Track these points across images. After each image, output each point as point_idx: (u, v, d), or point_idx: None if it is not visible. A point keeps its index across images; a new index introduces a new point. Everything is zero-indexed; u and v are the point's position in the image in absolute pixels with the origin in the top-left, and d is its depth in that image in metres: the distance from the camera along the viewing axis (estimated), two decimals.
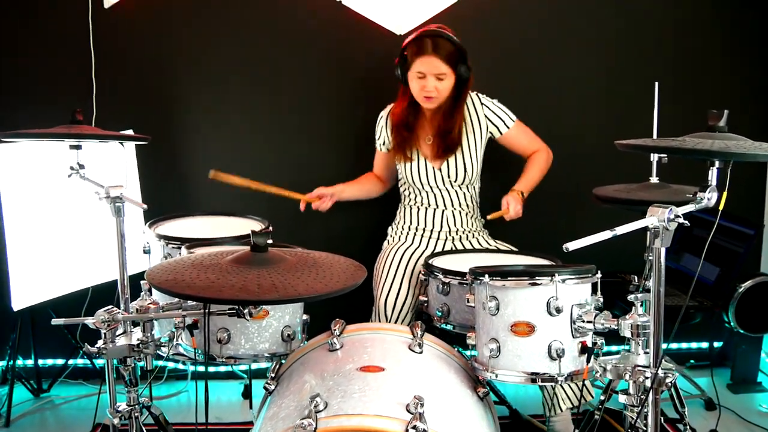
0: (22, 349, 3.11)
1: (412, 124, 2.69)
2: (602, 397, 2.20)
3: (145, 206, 1.97)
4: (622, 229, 1.49)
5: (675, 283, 2.87)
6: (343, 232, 3.15)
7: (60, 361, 3.28)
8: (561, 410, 2.51)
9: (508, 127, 2.75)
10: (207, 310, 1.79)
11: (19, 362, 3.15)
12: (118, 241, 1.99)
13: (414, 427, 1.44)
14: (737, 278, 2.76)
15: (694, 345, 3.35)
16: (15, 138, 2.08)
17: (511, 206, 2.55)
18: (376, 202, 2.98)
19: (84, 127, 2.11)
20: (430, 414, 1.51)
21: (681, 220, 1.52)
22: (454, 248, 2.69)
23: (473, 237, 2.76)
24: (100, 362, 3.27)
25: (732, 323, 2.91)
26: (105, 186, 1.96)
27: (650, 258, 2.25)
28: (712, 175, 1.58)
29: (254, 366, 3.04)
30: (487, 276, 1.82)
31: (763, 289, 2.91)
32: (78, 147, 2.12)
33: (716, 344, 3.34)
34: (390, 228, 2.88)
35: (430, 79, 2.53)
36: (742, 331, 2.93)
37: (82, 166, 2.12)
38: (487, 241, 2.74)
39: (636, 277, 2.35)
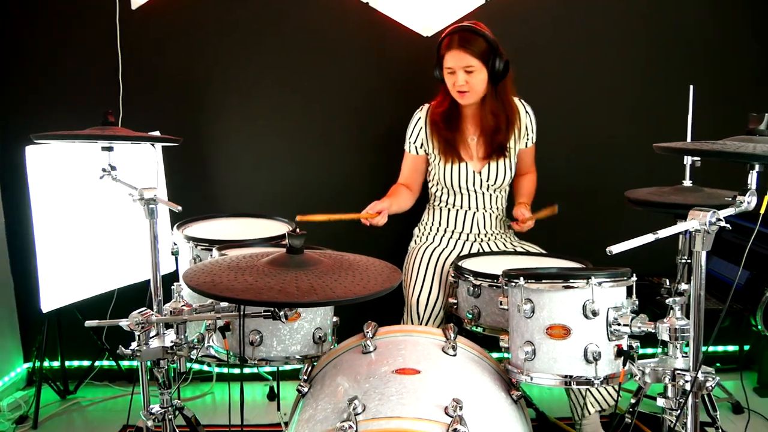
0: (48, 351, 3.13)
1: (455, 122, 2.67)
2: (632, 401, 2.20)
3: (179, 208, 1.97)
4: (664, 232, 1.48)
5: (705, 286, 2.84)
6: (366, 234, 3.14)
7: (86, 363, 3.30)
8: (589, 413, 2.50)
9: (532, 143, 2.77)
10: (242, 312, 1.79)
11: (45, 364, 3.17)
12: (151, 243, 1.99)
13: (455, 430, 1.44)
14: (767, 282, 2.73)
15: (720, 348, 3.32)
16: (47, 139, 2.07)
17: (526, 215, 2.58)
18: None
19: (116, 128, 2.13)
20: (469, 417, 1.51)
21: (722, 223, 1.50)
22: (481, 250, 2.68)
23: (500, 239, 2.75)
24: (125, 364, 3.29)
25: (759, 327, 2.89)
26: (138, 188, 1.97)
27: (682, 261, 2.26)
28: (752, 178, 1.57)
29: (282, 367, 3.03)
30: (522, 278, 1.80)
31: None
32: (110, 149, 2.13)
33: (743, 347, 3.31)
34: (417, 229, 2.87)
35: (459, 74, 2.53)
36: None
37: (114, 168, 2.13)
38: (513, 244, 2.74)
39: (668, 281, 2.34)
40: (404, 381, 1.67)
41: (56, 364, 3.22)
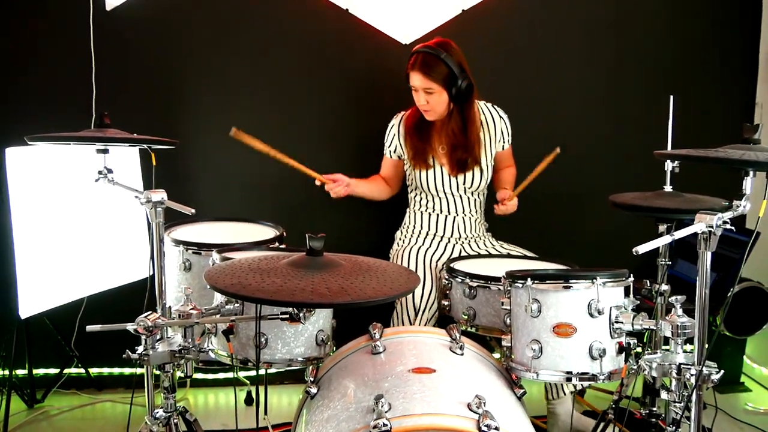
0: (14, 358, 3.02)
1: (425, 132, 2.76)
2: (615, 397, 2.30)
3: (192, 211, 1.96)
4: (679, 234, 1.57)
5: (672, 288, 2.99)
6: (347, 236, 3.18)
7: (53, 371, 3.20)
8: (564, 393, 2.61)
9: (509, 145, 2.87)
10: (258, 315, 1.80)
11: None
12: (156, 246, 1.97)
13: (487, 425, 1.49)
14: (731, 284, 2.89)
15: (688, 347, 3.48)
16: (41, 141, 2.02)
17: (510, 197, 2.67)
18: (381, 207, 3.02)
19: (112, 130, 2.10)
20: (492, 412, 1.56)
21: (728, 225, 1.61)
22: (463, 252, 2.76)
23: (480, 241, 2.83)
24: (94, 371, 3.21)
25: (720, 327, 3.05)
26: (145, 191, 1.95)
27: (662, 263, 2.38)
28: (747, 184, 1.68)
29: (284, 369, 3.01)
30: (529, 279, 1.88)
31: (748, 294, 3.06)
32: (105, 151, 2.10)
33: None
34: (399, 232, 2.93)
35: (420, 94, 2.65)
36: (728, 334, 3.07)
37: (110, 171, 2.11)
38: (495, 247, 2.82)
39: (648, 282, 2.46)
40: (423, 379, 1.71)
41: (21, 372, 3.10)
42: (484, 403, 1.57)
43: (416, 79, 2.62)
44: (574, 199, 3.24)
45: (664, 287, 2.31)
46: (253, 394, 3.10)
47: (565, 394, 2.61)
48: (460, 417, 1.53)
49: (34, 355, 3.09)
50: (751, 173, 1.67)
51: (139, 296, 2.06)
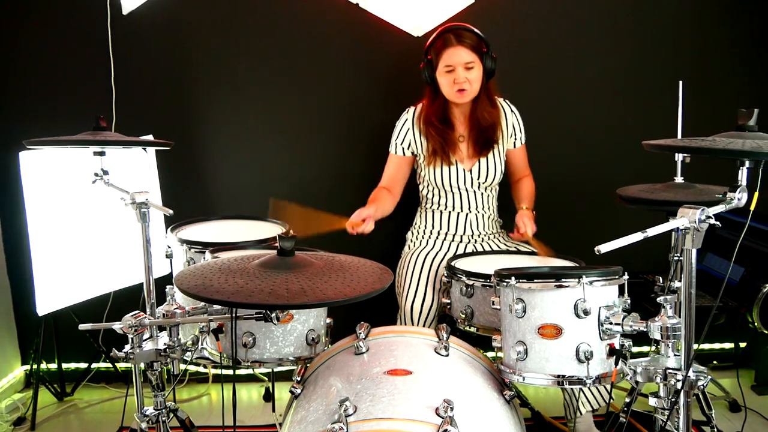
0: (45, 353, 3.14)
1: (447, 120, 2.68)
2: (627, 399, 2.19)
3: (170, 212, 1.97)
4: (653, 231, 1.48)
5: (699, 284, 2.83)
6: (359, 238, 3.14)
7: (82, 365, 3.30)
8: (581, 413, 2.50)
9: (521, 143, 2.77)
10: (234, 315, 1.79)
11: (43, 366, 3.17)
12: (143, 246, 1.99)
13: (445, 431, 1.44)
14: (762, 278, 2.72)
15: (716, 345, 3.32)
16: (39, 145, 2.08)
17: (528, 226, 2.54)
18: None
19: (107, 133, 2.13)
20: (460, 418, 1.51)
21: (712, 221, 1.50)
22: (475, 250, 2.68)
23: (494, 239, 2.75)
24: (122, 366, 3.30)
25: (756, 323, 2.88)
26: (130, 192, 1.97)
27: (676, 258, 2.25)
28: (742, 175, 1.56)
29: (276, 368, 3.04)
30: (513, 278, 1.80)
31: None
32: (102, 153, 2.14)
33: (740, 345, 3.30)
34: (409, 233, 2.87)
35: (459, 71, 2.54)
36: (766, 332, 2.90)
37: (106, 172, 2.14)
38: (506, 244, 2.73)
39: (661, 279, 2.34)
40: (396, 382, 1.67)
41: (53, 366, 3.22)
42: (452, 408, 1.52)
43: (454, 55, 2.53)
44: (592, 195, 3.10)
45: (677, 284, 2.18)
46: (271, 390, 3.13)
47: (582, 413, 2.50)
48: (419, 422, 1.48)
49: (64, 351, 3.21)
50: (747, 163, 1.56)
51: (162, 292, 2.07)
